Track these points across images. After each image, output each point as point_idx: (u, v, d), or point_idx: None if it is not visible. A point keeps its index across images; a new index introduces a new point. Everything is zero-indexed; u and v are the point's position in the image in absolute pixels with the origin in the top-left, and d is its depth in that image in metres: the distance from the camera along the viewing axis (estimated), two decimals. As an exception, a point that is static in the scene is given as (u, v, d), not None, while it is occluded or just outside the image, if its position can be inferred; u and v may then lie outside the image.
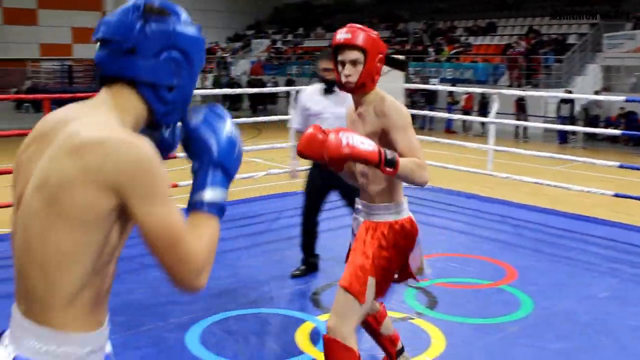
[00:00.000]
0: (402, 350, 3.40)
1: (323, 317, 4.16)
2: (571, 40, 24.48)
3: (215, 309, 4.27)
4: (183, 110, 1.55)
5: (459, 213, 7.01)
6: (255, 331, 3.97)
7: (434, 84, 20.41)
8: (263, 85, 29.94)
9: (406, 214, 2.94)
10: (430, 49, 26.71)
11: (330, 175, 4.01)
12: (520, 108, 20.43)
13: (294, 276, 4.98)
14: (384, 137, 2.76)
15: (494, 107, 7.69)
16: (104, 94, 1.46)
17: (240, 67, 36.29)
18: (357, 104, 2.92)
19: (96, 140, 1.32)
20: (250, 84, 30.08)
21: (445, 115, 12.12)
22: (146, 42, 1.42)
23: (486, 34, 28.24)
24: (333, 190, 4.83)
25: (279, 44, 37.10)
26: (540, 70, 23.23)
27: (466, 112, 20.43)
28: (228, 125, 1.58)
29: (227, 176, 1.56)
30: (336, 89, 4.29)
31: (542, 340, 3.90)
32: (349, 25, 2.82)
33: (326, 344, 2.83)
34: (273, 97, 29.50)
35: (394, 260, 2.89)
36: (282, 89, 13.07)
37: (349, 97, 4.24)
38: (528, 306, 4.41)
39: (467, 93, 20.15)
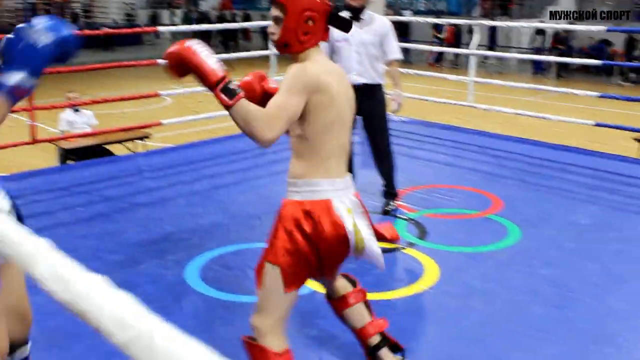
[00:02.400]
0: (379, 346, 2.82)
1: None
2: (544, -31, 24.23)
3: (210, 245, 4.32)
4: None
5: (439, 145, 7.08)
6: (253, 266, 4.03)
7: (407, 16, 20.25)
8: (233, 19, 29.41)
9: (320, 196, 2.45)
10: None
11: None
12: (490, 39, 20.47)
13: None
14: None
15: (475, 39, 7.69)
16: None
17: (209, 3, 35.51)
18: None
19: None
20: (220, 19, 29.51)
21: (425, 47, 12.02)
22: None
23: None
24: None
25: (248, -23, 36.23)
26: (514, 0, 23.12)
27: (449, 44, 20.40)
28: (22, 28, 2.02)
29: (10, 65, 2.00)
30: (362, 16, 4.72)
31: (531, 267, 4.03)
32: None
33: (244, 345, 2.55)
34: (245, 32, 29.06)
35: (303, 247, 2.44)
36: (254, 24, 12.87)
37: (378, 25, 4.79)
38: (515, 234, 4.53)
39: (450, 25, 20.02)
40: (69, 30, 2.11)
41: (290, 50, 2.52)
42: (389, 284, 3.81)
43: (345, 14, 4.74)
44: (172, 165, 6.23)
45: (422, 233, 4.57)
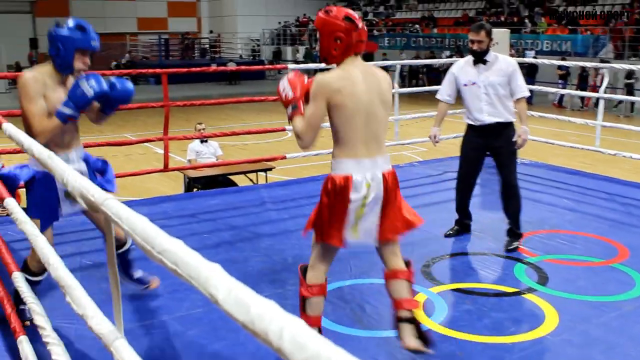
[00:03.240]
0: (404, 319, 3.33)
1: (435, 289, 4.24)
2: (680, 9, 23.22)
3: (329, 278, 4.40)
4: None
5: (564, 189, 6.90)
6: (369, 300, 4.10)
7: (530, 57, 19.90)
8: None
9: (338, 171, 3.19)
10: (527, 21, 25.96)
11: (486, 140, 5.04)
12: (582, 80, 19.82)
13: (447, 236, 5.35)
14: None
15: (604, 82, 7.49)
16: None
17: (332, 39, 36.22)
18: None
19: None
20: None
21: (552, 89, 11.78)
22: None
23: (587, 4, 27.15)
24: (489, 154, 5.17)
25: (370, 16, 36.82)
26: (646, 41, 22.23)
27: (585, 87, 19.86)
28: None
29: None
30: (487, 58, 5.01)
31: (659, 320, 3.87)
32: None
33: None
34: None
35: (326, 210, 3.22)
36: (379, 63, 13.04)
37: (504, 65, 5.04)
38: (643, 285, 4.36)
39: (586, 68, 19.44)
40: (107, 87, 3.48)
41: (328, 62, 3.23)
42: (507, 329, 3.76)
43: (469, 58, 5.08)
44: (293, 198, 6.41)
45: (543, 278, 4.47)
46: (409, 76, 27.16)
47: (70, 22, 3.52)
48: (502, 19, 27.59)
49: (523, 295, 4.20)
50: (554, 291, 4.26)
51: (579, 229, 5.55)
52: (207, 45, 38.99)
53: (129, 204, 6.31)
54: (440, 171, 7.55)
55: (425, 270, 4.61)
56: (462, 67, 5.16)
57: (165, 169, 6.20)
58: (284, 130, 7.08)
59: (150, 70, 6.63)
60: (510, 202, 5.10)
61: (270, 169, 8.09)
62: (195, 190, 8.02)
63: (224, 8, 40.56)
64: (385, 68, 8.74)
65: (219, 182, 8.09)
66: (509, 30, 8.49)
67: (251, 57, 36.65)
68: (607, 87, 7.57)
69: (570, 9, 26.95)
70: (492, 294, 4.23)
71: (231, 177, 8.36)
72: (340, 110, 3.10)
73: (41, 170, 3.44)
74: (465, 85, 5.05)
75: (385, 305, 4.05)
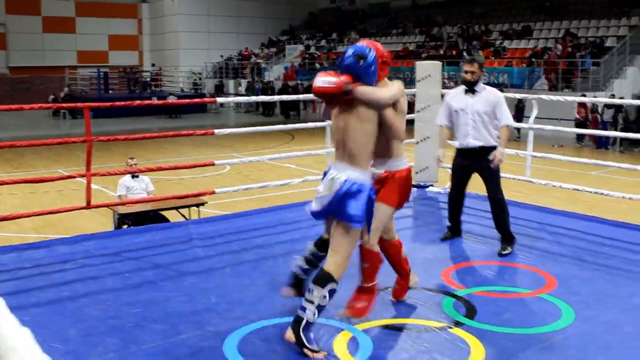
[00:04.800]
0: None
1: (361, 326, 4.13)
2: (609, 43, 24.09)
3: (252, 317, 4.26)
4: None
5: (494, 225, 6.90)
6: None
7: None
8: (297, 91, 29.99)
9: (407, 164, 4.28)
10: (465, 53, 26.51)
11: (470, 161, 5.74)
12: (519, 111, 20.39)
13: (443, 239, 6.00)
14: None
15: (534, 113, 7.58)
16: None
17: (274, 73, 36.40)
18: None
19: None
20: (284, 90, 30.14)
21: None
22: None
23: (522, 38, 27.93)
24: (475, 172, 5.82)
25: (312, 49, 37.12)
26: (577, 73, 22.89)
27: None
28: None
29: None
30: (476, 88, 5.65)
31: (584, 352, 3.83)
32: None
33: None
34: (312, 102, 29.56)
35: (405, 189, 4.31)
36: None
37: (490, 95, 5.61)
38: (570, 316, 4.33)
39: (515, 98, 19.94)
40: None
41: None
42: (433, 365, 3.66)
43: (461, 87, 5.78)
44: (222, 234, 6.25)
45: (470, 311, 4.41)
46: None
47: None
48: (442, 52, 28.11)
49: (450, 330, 4.12)
50: (481, 324, 4.20)
51: (508, 260, 5.54)
52: (149, 79, 38.65)
53: (50, 243, 6.07)
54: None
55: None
56: (454, 95, 5.84)
57: (88, 205, 5.97)
58: (212, 164, 6.93)
59: (72, 105, 6.41)
60: (498, 215, 5.68)
61: (202, 204, 7.92)
62: (125, 227, 7.79)
63: (166, 42, 40.40)
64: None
65: (150, 218, 7.88)
66: (440, 63, 8.57)
67: (193, 91, 36.44)
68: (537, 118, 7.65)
69: (507, 42, 27.65)
70: (418, 329, 4.15)
71: (164, 212, 8.15)
72: (401, 113, 3.98)
73: None
74: (456, 111, 5.70)
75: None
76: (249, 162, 7.65)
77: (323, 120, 6.61)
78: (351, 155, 3.76)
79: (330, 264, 3.76)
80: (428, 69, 8.20)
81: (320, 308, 3.71)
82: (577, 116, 19.85)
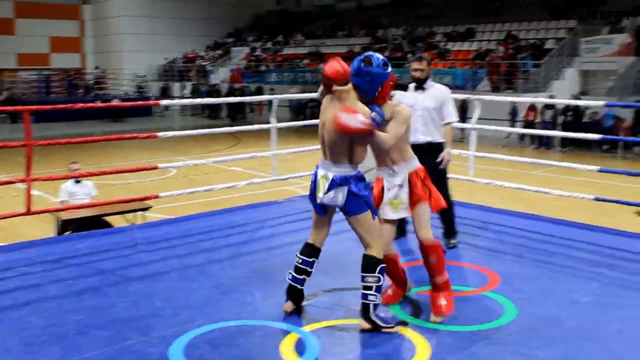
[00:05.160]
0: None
1: (307, 328, 4.13)
2: (549, 45, 24.67)
3: (198, 321, 4.23)
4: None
5: (438, 219, 6.99)
6: (239, 344, 3.93)
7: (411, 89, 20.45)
8: (243, 93, 29.87)
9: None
10: (409, 55, 26.80)
11: (419, 157, 5.50)
12: (463, 111, 20.71)
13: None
14: None
15: (476, 113, 7.71)
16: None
17: (220, 75, 36.17)
18: None
19: None
20: (230, 93, 29.97)
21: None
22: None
23: (465, 40, 28.38)
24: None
25: (258, 52, 37.02)
26: (519, 75, 23.37)
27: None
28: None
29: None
30: (425, 85, 5.78)
31: (527, 347, 3.91)
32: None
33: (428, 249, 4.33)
34: (259, 104, 29.47)
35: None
36: (263, 97, 13.03)
37: (438, 92, 5.82)
38: (512, 313, 4.41)
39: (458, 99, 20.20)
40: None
41: (380, 102, 4.11)
42: (379, 365, 3.69)
43: (412, 84, 5.90)
44: (167, 239, 6.18)
45: (416, 311, 4.46)
46: (297, 111, 27.36)
47: None
48: (387, 54, 28.36)
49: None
50: (426, 323, 4.25)
51: (453, 259, 5.60)
52: (92, 82, 37.97)
53: (-11, 250, 5.90)
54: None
55: (300, 308, 4.49)
56: (404, 92, 5.92)
57: (28, 212, 5.83)
58: (156, 168, 6.84)
59: (11, 108, 6.25)
60: (445, 211, 5.53)
61: (147, 209, 7.81)
62: (68, 233, 7.63)
63: (110, 44, 39.72)
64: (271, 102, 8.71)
65: (94, 223, 7.74)
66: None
67: (137, 94, 35.95)
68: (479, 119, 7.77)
69: (450, 44, 28.07)
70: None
71: (108, 218, 8.02)
72: (408, 131, 4.34)
73: None
74: None
75: (256, 346, 3.91)
76: (194, 166, 7.58)
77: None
78: (334, 153, 4.03)
79: (368, 249, 4.08)
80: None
81: (378, 289, 4.03)
82: (526, 118, 20.13)
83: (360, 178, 4.09)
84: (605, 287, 5.00)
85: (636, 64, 21.34)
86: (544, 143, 19.86)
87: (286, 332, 4.08)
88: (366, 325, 4.03)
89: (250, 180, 7.70)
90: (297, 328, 4.14)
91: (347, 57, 30.09)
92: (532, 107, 20.27)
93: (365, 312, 4.03)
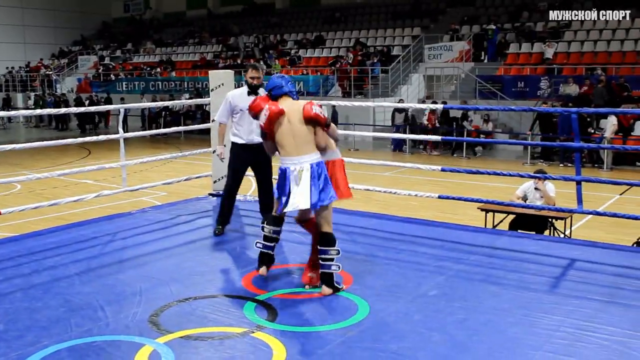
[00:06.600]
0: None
1: (162, 339, 4.06)
2: (395, 51, 25.64)
3: (46, 342, 4.03)
4: None
5: (291, 223, 7.08)
6: (90, 362, 3.79)
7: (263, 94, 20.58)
8: (92, 103, 28.80)
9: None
10: (262, 62, 26.97)
11: (253, 156, 6.43)
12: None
13: (217, 235, 6.50)
14: None
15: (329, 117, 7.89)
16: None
17: (67, 85, 34.67)
18: None
19: None
20: (79, 103, 28.81)
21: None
22: None
23: (315, 47, 28.93)
24: (252, 165, 6.58)
25: (107, 60, 35.84)
26: (368, 80, 24.11)
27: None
28: None
29: None
30: (259, 91, 6.31)
31: (380, 342, 4.04)
32: None
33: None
34: (106, 115, 28.49)
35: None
36: (113, 106, 12.61)
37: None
38: (365, 310, 4.56)
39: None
40: None
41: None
42: (236, 371, 3.69)
43: (245, 89, 6.45)
44: (11, 257, 5.85)
45: (272, 315, 4.50)
46: (149, 120, 26.76)
47: None
48: (239, 61, 28.36)
49: (252, 334, 4.17)
50: (282, 326, 4.29)
51: (306, 262, 5.69)
52: None
53: None
54: (174, 215, 7.41)
55: (153, 319, 4.40)
56: (238, 95, 6.44)
57: None
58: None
59: None
60: (269, 203, 5.97)
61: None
62: None
63: (-56, 53, 37.03)
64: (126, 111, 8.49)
65: None
66: (233, 72, 8.73)
67: (-23, 105, 33.73)
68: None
69: (302, 52, 28.51)
70: (220, 336, 4.15)
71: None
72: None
73: None
74: (242, 110, 6.27)
75: (107, 363, 3.79)
76: (37, 180, 7.23)
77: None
78: (303, 145, 4.84)
79: (325, 227, 4.92)
80: (221, 78, 8.29)
81: (338, 259, 4.89)
82: (427, 122, 20.48)
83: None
84: (449, 280, 5.27)
85: (475, 69, 22.66)
86: (398, 145, 20.55)
87: (140, 346, 3.98)
88: (328, 291, 4.83)
89: (99, 192, 7.45)
90: (151, 340, 4.06)
91: (200, 65, 29.83)
92: (432, 112, 20.79)
93: (329, 280, 4.85)
